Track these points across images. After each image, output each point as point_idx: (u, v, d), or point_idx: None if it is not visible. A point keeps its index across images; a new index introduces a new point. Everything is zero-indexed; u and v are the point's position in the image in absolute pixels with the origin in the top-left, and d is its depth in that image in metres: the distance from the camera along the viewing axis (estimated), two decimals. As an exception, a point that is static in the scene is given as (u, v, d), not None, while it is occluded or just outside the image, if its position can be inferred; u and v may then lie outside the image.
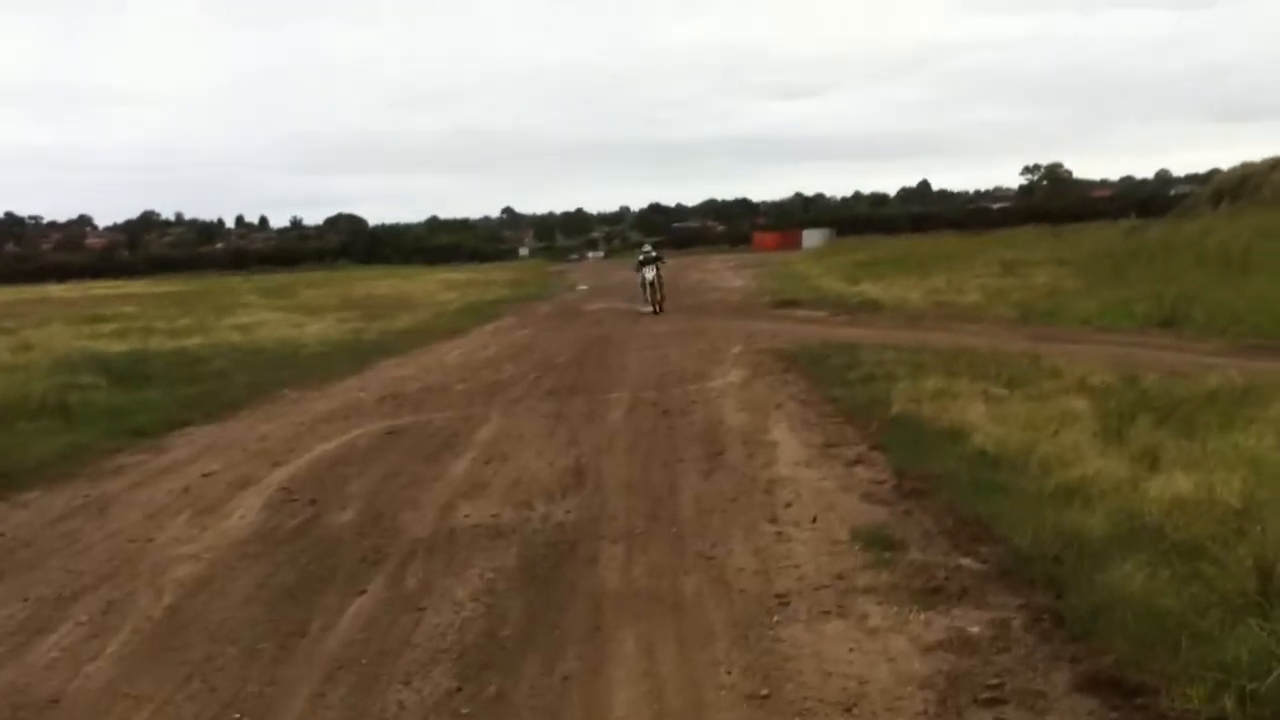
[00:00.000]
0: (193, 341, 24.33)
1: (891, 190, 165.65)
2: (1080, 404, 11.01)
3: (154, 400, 15.39)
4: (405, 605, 6.75)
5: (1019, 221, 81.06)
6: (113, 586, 7.35)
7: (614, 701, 5.23)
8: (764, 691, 5.25)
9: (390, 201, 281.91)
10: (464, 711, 5.25)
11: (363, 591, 7.03)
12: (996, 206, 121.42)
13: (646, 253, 31.30)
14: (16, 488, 10.39)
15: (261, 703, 5.43)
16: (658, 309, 29.03)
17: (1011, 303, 24.00)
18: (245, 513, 9.22)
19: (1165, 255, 28.45)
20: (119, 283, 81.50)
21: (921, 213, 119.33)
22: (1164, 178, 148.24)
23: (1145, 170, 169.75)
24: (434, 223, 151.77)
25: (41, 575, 7.65)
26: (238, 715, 5.29)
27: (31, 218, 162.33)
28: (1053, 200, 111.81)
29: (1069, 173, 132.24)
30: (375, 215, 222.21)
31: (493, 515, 8.72)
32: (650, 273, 30.00)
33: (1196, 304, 19.09)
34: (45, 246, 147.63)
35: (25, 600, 7.12)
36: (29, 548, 8.36)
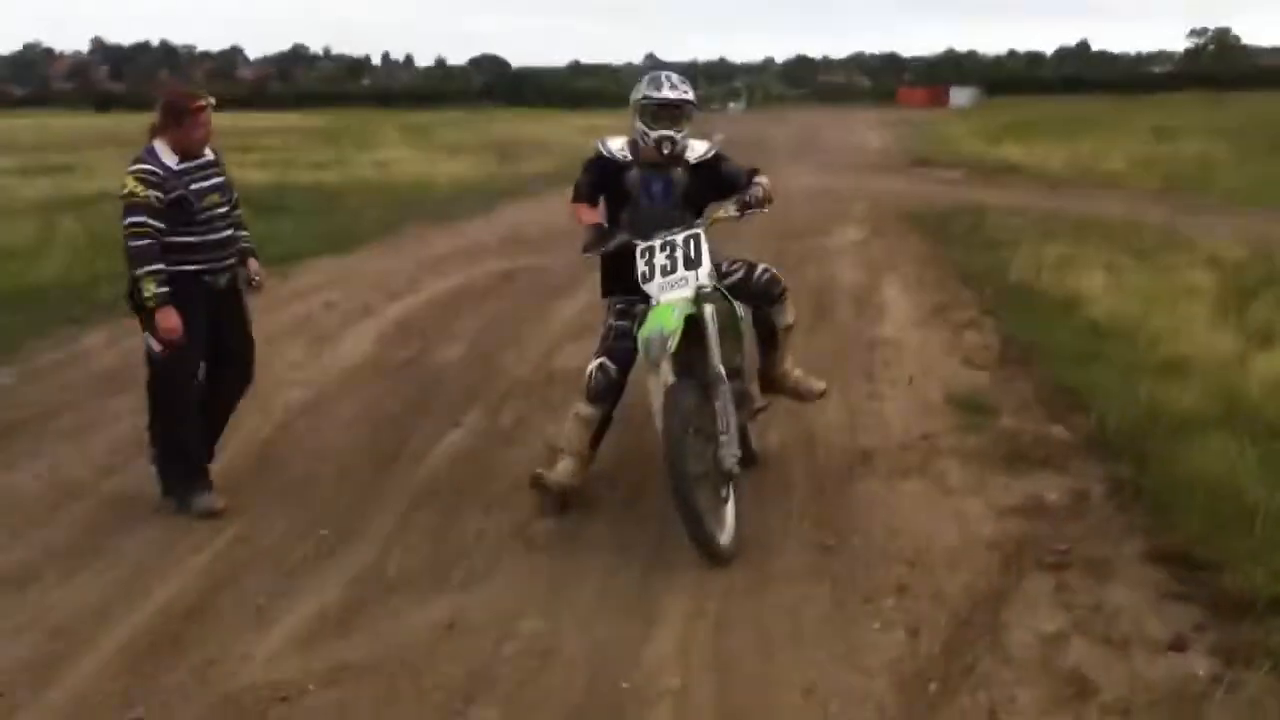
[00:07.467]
0: (330, 176, 24.77)
1: (1048, 50, 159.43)
2: (1205, 278, 10.70)
3: (285, 231, 15.74)
4: (497, 439, 6.98)
5: (1181, 88, 77.84)
6: (226, 406, 7.68)
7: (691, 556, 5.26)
8: (830, 542, 5.34)
9: (533, 42, 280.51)
10: (538, 542, 5.46)
11: (458, 424, 7.27)
12: (1158, 71, 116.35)
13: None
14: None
15: (349, 520, 5.71)
16: None
17: (1157, 173, 23.12)
18: (359, 342, 9.53)
19: (1329, 129, 27.12)
20: (267, 114, 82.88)
21: (1077, 75, 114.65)
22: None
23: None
24: (576, 67, 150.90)
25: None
26: (324, 531, 5.58)
27: (185, 46, 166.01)
28: (1219, 66, 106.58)
29: (1238, 38, 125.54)
30: (518, 57, 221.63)
31: (594, 358, 8.86)
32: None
33: (1354, 181, 18.25)
34: (198, 75, 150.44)
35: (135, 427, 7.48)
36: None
